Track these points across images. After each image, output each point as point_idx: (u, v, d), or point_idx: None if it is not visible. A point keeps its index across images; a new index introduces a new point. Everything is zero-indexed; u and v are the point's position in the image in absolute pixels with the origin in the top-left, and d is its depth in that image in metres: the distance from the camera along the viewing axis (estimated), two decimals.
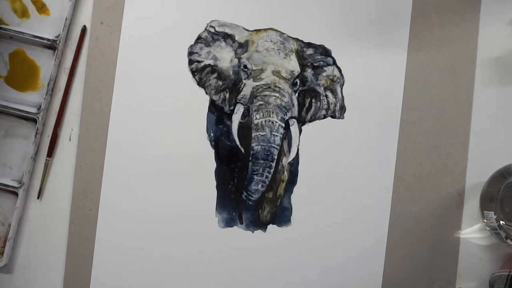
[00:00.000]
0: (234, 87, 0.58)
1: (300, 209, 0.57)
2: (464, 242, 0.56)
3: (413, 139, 0.57)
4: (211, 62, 0.58)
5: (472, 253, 0.56)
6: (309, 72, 0.58)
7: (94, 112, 0.57)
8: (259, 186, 0.56)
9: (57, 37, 0.57)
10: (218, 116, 0.58)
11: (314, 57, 0.58)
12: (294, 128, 0.57)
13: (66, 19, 0.57)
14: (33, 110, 0.57)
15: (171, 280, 0.57)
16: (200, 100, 0.58)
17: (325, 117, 0.58)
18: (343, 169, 0.57)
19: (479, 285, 0.56)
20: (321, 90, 0.58)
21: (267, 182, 0.57)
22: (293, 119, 0.57)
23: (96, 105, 0.57)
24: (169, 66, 0.57)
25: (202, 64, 0.58)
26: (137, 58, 0.57)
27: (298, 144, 0.57)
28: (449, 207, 0.57)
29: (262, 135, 0.56)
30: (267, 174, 0.56)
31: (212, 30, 0.58)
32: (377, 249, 0.56)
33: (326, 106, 0.58)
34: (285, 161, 0.57)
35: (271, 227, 0.57)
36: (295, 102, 0.57)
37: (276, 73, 0.56)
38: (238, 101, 0.57)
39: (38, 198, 0.57)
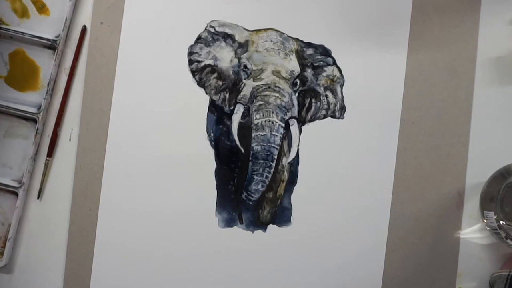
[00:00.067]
0: (234, 87, 0.58)
1: (300, 209, 0.57)
2: (464, 242, 0.56)
3: (413, 139, 0.57)
4: (211, 62, 0.58)
5: (472, 253, 0.56)
6: (309, 72, 0.58)
7: (94, 112, 0.57)
8: (259, 186, 0.56)
9: (57, 37, 0.57)
10: (218, 116, 0.58)
11: (314, 57, 0.58)
12: (294, 128, 0.57)
13: (66, 19, 0.57)
14: (33, 110, 0.57)
15: (171, 280, 0.57)
16: (200, 100, 0.58)
17: (325, 117, 0.58)
18: (343, 169, 0.57)
19: (479, 285, 0.56)
20: (321, 90, 0.58)
21: (267, 182, 0.57)
22: (293, 119, 0.57)
23: (96, 105, 0.57)
24: (169, 66, 0.57)
25: (202, 64, 0.58)
26: (137, 58, 0.57)
27: (298, 144, 0.57)
28: (449, 207, 0.57)
29: (262, 135, 0.56)
30: (267, 174, 0.56)
31: (212, 30, 0.58)
32: (377, 249, 0.56)
33: (326, 106, 0.58)
34: (285, 161, 0.57)
35: (271, 227, 0.57)
36: (295, 102, 0.57)
37: (276, 73, 0.56)
38: (238, 101, 0.57)
39: (38, 198, 0.57)
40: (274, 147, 0.56)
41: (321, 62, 0.58)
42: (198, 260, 0.57)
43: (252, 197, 0.57)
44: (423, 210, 0.57)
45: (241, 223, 0.57)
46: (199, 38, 0.58)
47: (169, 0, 0.58)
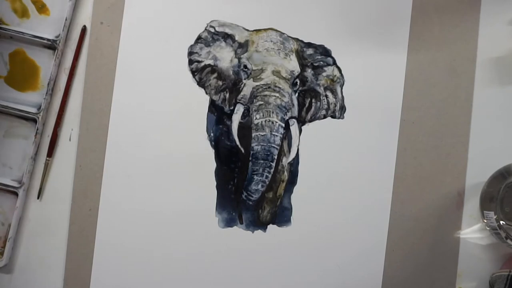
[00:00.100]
0: (234, 87, 0.58)
1: (300, 209, 0.57)
2: (464, 242, 0.56)
3: (413, 139, 0.57)
4: (211, 62, 0.58)
5: (472, 253, 0.56)
6: (309, 72, 0.58)
7: (94, 112, 0.57)
8: (259, 186, 0.56)
9: (57, 37, 0.57)
10: (218, 116, 0.58)
11: (314, 57, 0.58)
12: (294, 128, 0.57)
13: (66, 19, 0.57)
14: (33, 110, 0.57)
15: (171, 280, 0.57)
16: (200, 100, 0.58)
17: (325, 117, 0.58)
18: (343, 169, 0.57)
19: (479, 285, 0.56)
20: (321, 90, 0.58)
21: (267, 182, 0.57)
22: (293, 119, 0.57)
23: (96, 105, 0.57)
24: (169, 66, 0.57)
25: (202, 64, 0.58)
26: (137, 58, 0.57)
27: (298, 144, 0.57)
28: (449, 207, 0.57)
29: (262, 135, 0.56)
30: (267, 174, 0.56)
31: (212, 30, 0.58)
32: (377, 249, 0.56)
33: (326, 106, 0.58)
34: (285, 161, 0.57)
35: (271, 227, 0.57)
36: (295, 102, 0.57)
37: (276, 73, 0.56)
38: (238, 101, 0.57)
39: (38, 198, 0.57)
40: (274, 147, 0.56)
41: (321, 62, 0.58)
42: (198, 260, 0.57)
43: (252, 197, 0.57)
44: (423, 210, 0.57)
45: (241, 223, 0.57)
46: (199, 38, 0.58)
47: (169, 0, 0.58)
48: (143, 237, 0.57)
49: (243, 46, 0.58)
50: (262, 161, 0.56)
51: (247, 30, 0.58)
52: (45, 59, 0.58)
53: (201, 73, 0.58)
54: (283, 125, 0.56)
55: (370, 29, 0.58)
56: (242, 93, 0.57)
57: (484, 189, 0.54)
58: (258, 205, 0.57)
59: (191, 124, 0.57)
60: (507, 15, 0.58)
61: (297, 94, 0.58)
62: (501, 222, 0.52)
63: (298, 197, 0.57)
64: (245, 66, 0.57)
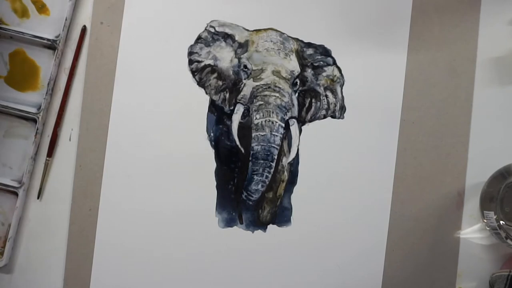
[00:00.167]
0: (234, 87, 0.58)
1: (300, 209, 0.57)
2: (464, 242, 0.56)
3: (413, 139, 0.57)
4: (211, 62, 0.58)
5: (472, 253, 0.56)
6: (309, 72, 0.58)
7: (94, 112, 0.57)
8: (259, 186, 0.56)
9: (57, 37, 0.57)
10: (218, 116, 0.58)
11: (314, 57, 0.58)
12: (294, 128, 0.57)
13: (66, 19, 0.57)
14: (33, 110, 0.57)
15: (171, 280, 0.57)
16: (200, 100, 0.58)
17: (325, 117, 0.58)
18: (343, 169, 0.57)
19: (479, 285, 0.56)
20: (321, 90, 0.58)
21: (267, 182, 0.57)
22: (293, 119, 0.57)
23: (96, 105, 0.57)
24: (169, 66, 0.57)
25: (202, 64, 0.58)
26: (137, 58, 0.57)
27: (298, 144, 0.57)
28: (449, 207, 0.57)
29: (262, 135, 0.56)
30: (267, 174, 0.56)
31: (212, 30, 0.58)
32: (377, 249, 0.56)
33: (326, 106, 0.58)
34: (285, 161, 0.57)
35: (271, 227, 0.57)
36: (295, 102, 0.57)
37: (276, 73, 0.56)
38: (238, 101, 0.57)
39: (38, 198, 0.57)
40: (274, 147, 0.56)
41: (321, 62, 0.58)
42: (198, 260, 0.57)
43: (252, 197, 0.57)
44: (423, 210, 0.57)
45: (241, 223, 0.57)
46: (199, 38, 0.58)
47: (169, 0, 0.58)
48: (143, 237, 0.57)
49: (243, 46, 0.58)
50: (262, 161, 0.56)
51: (247, 30, 0.58)
52: (45, 59, 0.58)
53: (201, 73, 0.58)
54: (283, 125, 0.56)
55: (370, 29, 0.58)
56: (242, 93, 0.57)
57: (484, 189, 0.54)
58: (258, 205, 0.57)
59: (191, 124, 0.57)
60: (507, 15, 0.58)
61: (297, 94, 0.58)
62: (501, 222, 0.52)
63: (298, 197, 0.57)
64: (245, 66, 0.57)
